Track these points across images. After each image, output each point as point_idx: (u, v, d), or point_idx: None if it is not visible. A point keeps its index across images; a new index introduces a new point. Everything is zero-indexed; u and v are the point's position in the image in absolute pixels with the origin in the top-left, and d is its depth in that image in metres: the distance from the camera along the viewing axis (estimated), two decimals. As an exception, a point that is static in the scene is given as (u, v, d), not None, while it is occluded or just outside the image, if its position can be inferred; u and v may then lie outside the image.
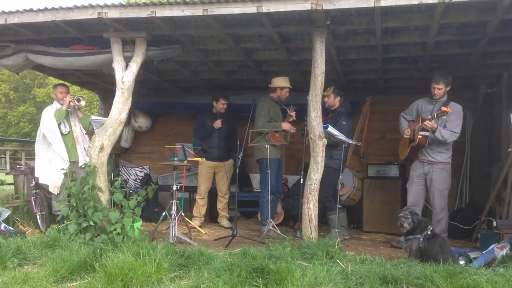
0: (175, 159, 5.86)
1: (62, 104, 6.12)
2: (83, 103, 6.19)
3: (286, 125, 6.26)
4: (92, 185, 5.17)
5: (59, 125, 6.06)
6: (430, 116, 5.42)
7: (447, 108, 5.22)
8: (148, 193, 5.82)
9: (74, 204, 5.10)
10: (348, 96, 6.94)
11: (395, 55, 6.50)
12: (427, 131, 5.46)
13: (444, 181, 5.59)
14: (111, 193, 5.43)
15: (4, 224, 5.78)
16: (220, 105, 7.08)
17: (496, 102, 7.30)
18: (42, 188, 6.27)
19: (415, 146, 5.62)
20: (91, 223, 4.98)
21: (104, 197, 5.39)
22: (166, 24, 5.48)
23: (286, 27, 5.50)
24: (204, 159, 6.62)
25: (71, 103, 6.10)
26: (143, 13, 5.15)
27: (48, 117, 6.08)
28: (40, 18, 5.43)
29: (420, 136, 5.52)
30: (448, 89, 5.61)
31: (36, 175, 6.17)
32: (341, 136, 5.75)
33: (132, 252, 4.12)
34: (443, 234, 5.34)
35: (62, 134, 6.09)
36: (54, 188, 5.99)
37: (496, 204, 6.37)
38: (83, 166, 5.63)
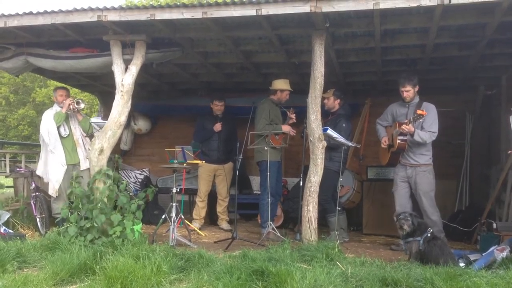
0: (175, 161, 5.87)
1: (62, 107, 6.13)
2: (82, 106, 6.19)
3: (286, 128, 6.26)
4: (110, 185, 5.18)
5: (58, 128, 6.07)
6: (406, 120, 5.44)
7: (422, 111, 5.23)
8: (147, 196, 5.82)
9: (80, 206, 5.09)
10: (348, 98, 6.95)
11: (394, 57, 6.51)
12: (405, 135, 5.47)
13: (428, 183, 5.57)
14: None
15: (4, 227, 5.77)
16: (215, 107, 7.08)
17: (495, 104, 7.31)
18: (42, 191, 6.27)
19: (395, 151, 5.63)
20: (95, 224, 4.98)
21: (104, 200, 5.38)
22: (165, 27, 5.49)
23: (285, 29, 5.51)
24: (203, 161, 6.62)
25: (71, 106, 6.11)
26: (143, 16, 5.16)
27: (48, 120, 6.09)
28: (40, 21, 5.44)
29: (399, 141, 5.53)
30: (416, 89, 5.61)
31: (38, 172, 6.21)
32: (341, 139, 5.76)
33: (132, 254, 4.12)
34: (440, 234, 5.33)
35: (61, 137, 6.09)
36: (53, 192, 6.00)
37: (496, 206, 6.37)
38: (81, 168, 5.64)
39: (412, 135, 5.41)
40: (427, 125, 5.45)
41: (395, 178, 5.80)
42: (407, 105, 5.65)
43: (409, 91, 5.57)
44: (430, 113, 5.44)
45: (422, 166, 5.56)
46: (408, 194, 5.69)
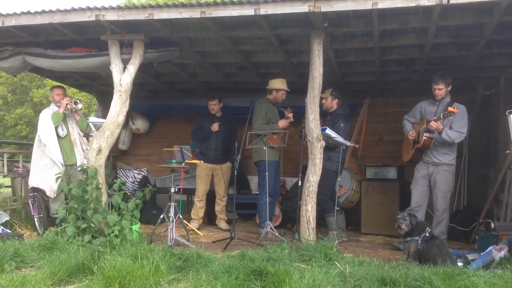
0: (173, 161, 5.86)
1: (59, 107, 6.11)
2: (80, 106, 6.19)
3: (282, 123, 6.26)
4: (96, 186, 5.17)
5: (56, 128, 6.05)
6: (435, 117, 5.38)
7: (454, 108, 5.16)
8: (145, 195, 5.81)
9: (75, 206, 5.09)
10: (346, 98, 6.94)
11: (392, 57, 6.50)
12: (432, 132, 5.43)
13: (447, 183, 5.56)
14: (109, 195, 5.41)
15: (2, 227, 5.76)
16: (209, 107, 7.09)
17: (493, 104, 7.31)
18: (39, 191, 6.24)
19: (420, 147, 5.58)
20: (92, 224, 4.97)
21: (102, 200, 5.37)
22: (164, 27, 5.48)
23: (284, 29, 5.50)
24: (201, 161, 6.61)
25: (68, 106, 6.10)
26: (141, 16, 5.15)
27: (45, 119, 6.07)
28: (38, 20, 5.43)
29: (425, 138, 5.48)
30: (449, 89, 5.58)
31: (30, 182, 6.12)
32: (339, 138, 5.75)
33: (130, 254, 4.11)
34: (442, 236, 5.33)
35: (59, 137, 6.07)
36: (51, 192, 5.97)
37: (494, 206, 6.37)
38: (77, 168, 5.62)
39: (440, 133, 5.36)
40: (457, 125, 5.42)
41: (415, 175, 5.76)
42: (437, 104, 5.61)
43: (441, 90, 5.53)
44: (460, 114, 5.39)
45: (444, 166, 5.54)
46: (426, 193, 5.66)
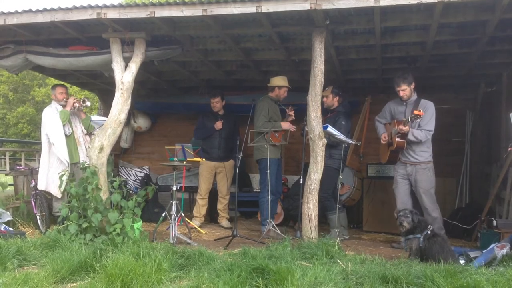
0: (175, 159, 5.87)
1: (62, 105, 6.11)
2: (88, 104, 6.21)
3: (286, 125, 6.26)
4: (96, 185, 5.17)
5: (63, 126, 6.05)
6: (404, 120, 5.40)
7: (419, 111, 5.19)
8: (148, 194, 5.81)
9: (76, 205, 5.10)
10: (347, 95, 6.94)
11: (394, 54, 6.50)
12: (404, 134, 5.47)
13: (428, 180, 5.55)
14: (111, 193, 5.42)
15: (4, 225, 5.77)
16: (211, 105, 7.09)
17: (495, 102, 7.30)
18: (42, 190, 6.26)
19: (394, 149, 5.62)
20: (92, 223, 4.98)
21: (104, 198, 5.38)
22: (165, 25, 5.49)
23: (285, 27, 5.49)
24: (203, 159, 6.62)
25: (76, 104, 6.11)
26: (142, 14, 5.15)
27: (52, 118, 6.04)
28: (39, 18, 5.43)
29: (398, 139, 5.52)
30: (413, 87, 5.58)
31: (39, 186, 6.10)
32: (341, 136, 5.75)
33: (132, 252, 4.12)
34: (440, 231, 5.33)
35: (65, 135, 6.07)
36: (57, 192, 5.98)
37: (496, 204, 6.37)
38: (79, 166, 5.62)
39: (406, 135, 5.40)
40: (423, 123, 5.43)
41: (395, 176, 5.79)
42: (405, 103, 5.63)
43: (405, 90, 5.55)
44: (428, 111, 5.42)
45: (422, 164, 5.54)
46: (408, 191, 5.67)
